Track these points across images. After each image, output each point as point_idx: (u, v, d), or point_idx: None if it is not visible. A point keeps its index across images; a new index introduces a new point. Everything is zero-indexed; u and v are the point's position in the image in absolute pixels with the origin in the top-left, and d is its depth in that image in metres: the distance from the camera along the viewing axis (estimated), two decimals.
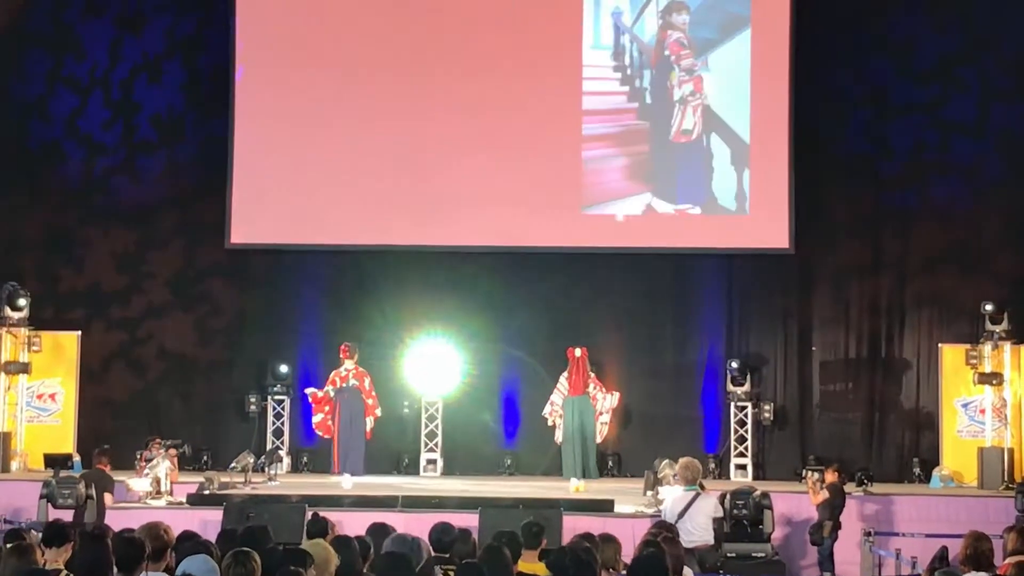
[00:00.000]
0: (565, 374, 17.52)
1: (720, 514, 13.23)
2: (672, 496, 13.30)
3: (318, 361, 19.42)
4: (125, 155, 19.93)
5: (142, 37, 20.00)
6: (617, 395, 17.83)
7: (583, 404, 17.39)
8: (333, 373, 17.36)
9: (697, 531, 12.52)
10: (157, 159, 19.95)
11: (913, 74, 19.36)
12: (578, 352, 17.51)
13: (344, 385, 17.22)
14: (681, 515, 12.60)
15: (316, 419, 17.54)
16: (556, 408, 17.50)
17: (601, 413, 17.52)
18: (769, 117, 18.93)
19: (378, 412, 17.53)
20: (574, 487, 16.79)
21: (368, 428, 17.36)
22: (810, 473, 15.15)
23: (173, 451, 15.83)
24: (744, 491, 14.26)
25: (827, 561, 14.80)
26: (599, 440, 17.75)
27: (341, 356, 17.33)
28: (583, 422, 17.36)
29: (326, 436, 17.53)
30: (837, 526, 14.78)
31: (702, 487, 13.28)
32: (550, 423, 17.70)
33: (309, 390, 17.59)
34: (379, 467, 18.27)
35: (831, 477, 14.95)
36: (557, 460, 18.03)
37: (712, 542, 12.91)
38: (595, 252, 19.35)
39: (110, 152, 19.94)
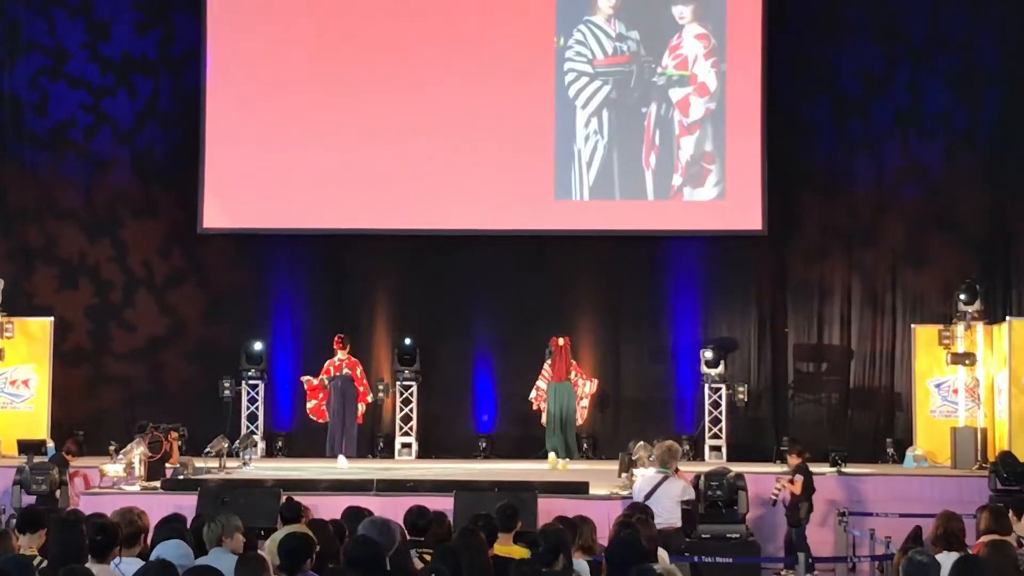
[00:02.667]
0: (548, 361, 18.22)
1: (689, 497, 13.26)
2: (643, 477, 13.36)
3: (292, 347, 19.51)
4: (96, 140, 19.82)
5: (116, 22, 19.94)
6: (595, 382, 18.51)
7: (565, 390, 18.16)
8: (327, 363, 18.08)
9: (663, 514, 12.51)
10: (128, 144, 19.85)
11: (890, 55, 19.38)
12: (561, 341, 18.27)
13: (338, 374, 17.95)
14: (648, 496, 12.64)
15: (310, 404, 18.28)
16: (541, 393, 18.20)
17: (581, 398, 18.28)
18: (742, 99, 18.94)
19: (369, 398, 18.37)
20: (551, 462, 17.37)
21: (360, 413, 18.16)
22: (777, 487, 14.84)
23: (175, 434, 15.92)
24: (718, 472, 14.28)
25: (801, 541, 14.79)
26: (579, 423, 18.41)
27: (335, 347, 18.09)
28: (564, 406, 18.11)
29: (320, 421, 18.20)
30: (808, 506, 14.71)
31: (676, 471, 13.31)
32: (535, 407, 18.25)
33: (305, 378, 18.25)
34: (355, 451, 18.28)
35: (794, 460, 14.87)
36: (532, 443, 18.43)
37: (678, 525, 12.95)
38: (568, 235, 19.36)
39: (80, 137, 19.82)
